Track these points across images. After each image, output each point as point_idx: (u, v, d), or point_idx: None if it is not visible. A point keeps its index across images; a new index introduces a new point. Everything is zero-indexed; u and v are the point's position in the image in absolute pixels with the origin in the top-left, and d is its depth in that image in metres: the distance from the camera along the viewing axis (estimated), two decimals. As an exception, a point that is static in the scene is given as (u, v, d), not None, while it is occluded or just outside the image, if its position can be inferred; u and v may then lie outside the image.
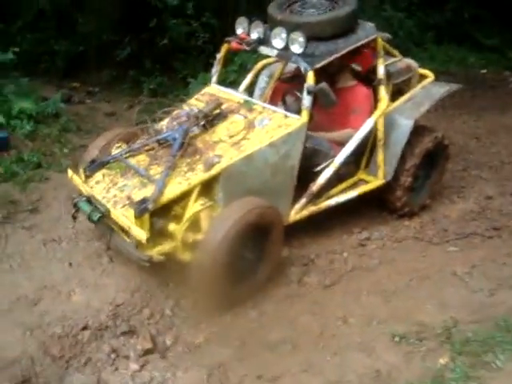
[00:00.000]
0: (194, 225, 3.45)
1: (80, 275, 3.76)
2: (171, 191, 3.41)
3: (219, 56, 4.29)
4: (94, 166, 3.74)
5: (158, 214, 3.43)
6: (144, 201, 3.28)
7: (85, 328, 3.34)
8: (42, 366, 3.10)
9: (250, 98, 4.05)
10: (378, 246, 4.31)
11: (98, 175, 3.72)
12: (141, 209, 3.25)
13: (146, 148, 3.78)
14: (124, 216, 3.35)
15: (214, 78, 4.34)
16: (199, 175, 3.48)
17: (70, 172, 3.86)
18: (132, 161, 3.73)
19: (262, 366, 3.13)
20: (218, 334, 3.41)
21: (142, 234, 3.23)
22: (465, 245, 4.28)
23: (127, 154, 3.79)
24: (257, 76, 4.89)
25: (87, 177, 3.73)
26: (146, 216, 3.32)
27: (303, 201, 3.93)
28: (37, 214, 4.45)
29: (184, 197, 3.47)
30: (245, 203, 3.36)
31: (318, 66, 3.77)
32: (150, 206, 3.28)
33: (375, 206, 4.67)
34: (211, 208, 3.49)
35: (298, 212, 3.93)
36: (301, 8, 4.05)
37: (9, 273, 3.78)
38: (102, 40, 7.72)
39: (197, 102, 4.14)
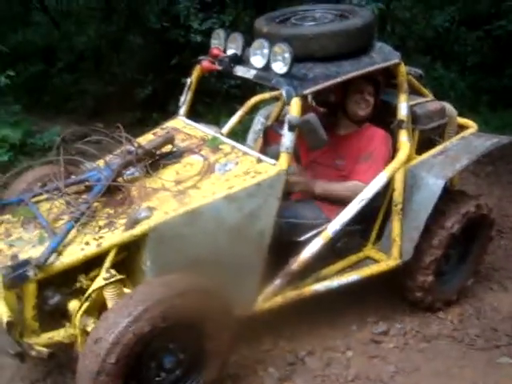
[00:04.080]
0: (102, 307, 2.34)
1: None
2: (71, 254, 2.33)
3: (190, 81, 3.25)
4: (-8, 208, 2.74)
5: (58, 284, 2.38)
6: (23, 264, 2.22)
7: None
8: None
9: (218, 135, 2.97)
10: (398, 345, 3.14)
11: (-4, 221, 2.70)
12: (15, 276, 2.19)
13: (71, 191, 2.73)
14: (-5, 284, 2.29)
15: (182, 109, 3.30)
16: (116, 234, 2.40)
17: None
18: (44, 206, 2.69)
19: None
20: None
21: (3, 314, 2.16)
22: (523, 355, 3.08)
23: (43, 197, 2.75)
24: (248, 114, 3.85)
25: (-17, 223, 2.72)
26: (31, 287, 2.26)
27: (278, 283, 2.75)
28: None
29: (96, 263, 2.39)
30: (164, 283, 2.20)
31: (308, 91, 2.69)
32: (31, 273, 2.22)
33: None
34: (130, 283, 2.38)
35: (268, 298, 2.74)
36: (297, 21, 3.02)
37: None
38: (126, 80, 7.40)
39: (153, 138, 3.10)
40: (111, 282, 2.25)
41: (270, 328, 3.02)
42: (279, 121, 3.53)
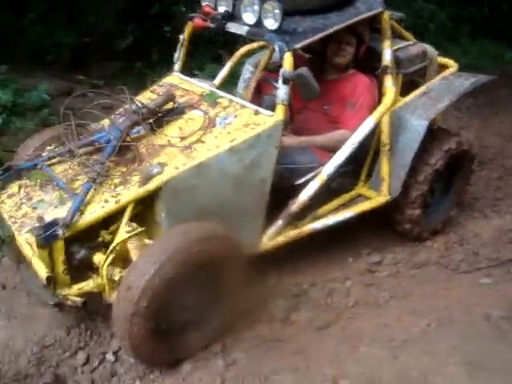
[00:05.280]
0: (124, 257, 2.57)
1: (10, 302, 2.99)
2: (93, 212, 2.55)
3: (182, 37, 3.39)
4: (8, 173, 2.91)
5: (82, 240, 2.60)
6: (52, 224, 2.43)
7: (-3, 377, 2.56)
8: None
9: (215, 89, 3.14)
10: (391, 273, 3.45)
11: (14, 186, 2.88)
12: (46, 235, 2.40)
13: (81, 152, 2.91)
14: (28, 244, 2.50)
15: (177, 65, 3.45)
16: (132, 190, 2.61)
17: None
18: (57, 169, 2.88)
19: None
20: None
21: (41, 270, 2.39)
22: (501, 276, 3.36)
23: (55, 160, 2.94)
24: (238, 65, 4.01)
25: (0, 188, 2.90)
26: (60, 244, 2.47)
27: (279, 223, 3.01)
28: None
29: (114, 218, 2.61)
30: (183, 232, 2.45)
31: (299, 45, 2.86)
32: (60, 232, 2.43)
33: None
34: (146, 234, 2.61)
35: (271, 238, 3.01)
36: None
37: None
38: (105, 30, 7.19)
39: (151, 95, 3.26)
40: (134, 235, 2.48)
41: (274, 266, 3.27)
42: (270, 70, 3.69)
